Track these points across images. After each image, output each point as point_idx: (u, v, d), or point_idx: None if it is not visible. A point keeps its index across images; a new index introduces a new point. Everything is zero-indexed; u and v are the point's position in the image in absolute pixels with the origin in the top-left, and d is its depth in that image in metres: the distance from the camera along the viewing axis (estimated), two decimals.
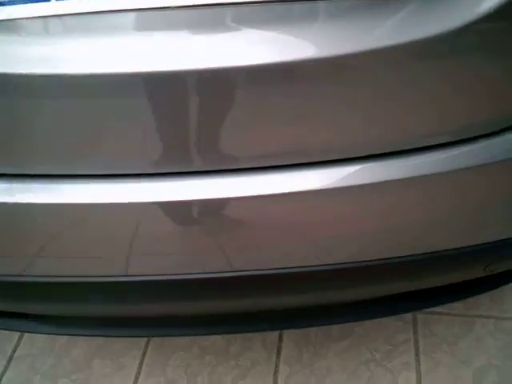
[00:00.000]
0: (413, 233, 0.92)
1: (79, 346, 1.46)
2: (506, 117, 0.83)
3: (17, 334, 1.50)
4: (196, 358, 1.41)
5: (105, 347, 1.45)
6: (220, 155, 0.80)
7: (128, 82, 0.72)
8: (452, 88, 0.76)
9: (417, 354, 1.36)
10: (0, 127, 0.78)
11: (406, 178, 0.82)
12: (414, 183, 0.83)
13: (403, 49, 0.70)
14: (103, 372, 1.41)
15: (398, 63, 0.73)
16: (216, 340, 1.43)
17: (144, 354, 1.43)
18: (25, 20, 0.72)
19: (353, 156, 0.81)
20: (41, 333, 1.29)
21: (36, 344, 1.48)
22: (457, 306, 1.42)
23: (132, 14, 0.71)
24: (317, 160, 0.81)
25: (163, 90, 0.72)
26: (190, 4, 0.69)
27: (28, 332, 1.41)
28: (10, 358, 1.46)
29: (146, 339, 1.46)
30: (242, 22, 0.72)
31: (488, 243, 0.95)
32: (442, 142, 0.82)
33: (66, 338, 1.46)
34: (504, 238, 0.96)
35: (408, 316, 1.44)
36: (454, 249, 0.94)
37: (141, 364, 1.41)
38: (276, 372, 1.37)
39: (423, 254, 0.93)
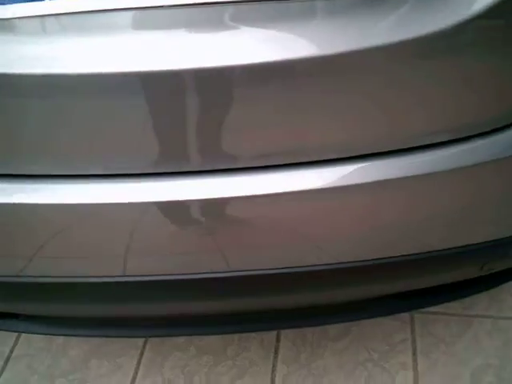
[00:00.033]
0: (410, 232, 0.92)
1: (76, 346, 1.46)
2: (503, 115, 0.83)
3: (14, 335, 1.50)
4: (193, 358, 1.41)
5: (102, 347, 1.45)
6: (219, 154, 0.80)
7: (125, 82, 0.72)
8: (449, 85, 0.76)
9: (414, 354, 1.36)
10: None
11: (403, 178, 0.82)
12: (411, 183, 0.83)
13: (401, 46, 0.70)
14: (100, 372, 1.41)
15: (397, 61, 0.73)
16: (213, 340, 1.43)
17: (141, 354, 1.43)
18: (19, 19, 0.72)
19: (352, 155, 0.81)
20: (37, 333, 1.30)
21: (33, 344, 1.48)
22: (454, 306, 1.42)
23: (126, 13, 0.71)
24: (314, 159, 0.81)
25: (160, 89, 0.72)
26: (184, 3, 0.69)
27: (25, 332, 1.41)
28: (8, 359, 1.46)
29: (143, 339, 1.46)
30: (240, 20, 0.72)
31: (484, 242, 0.95)
32: (437, 141, 0.82)
33: (63, 338, 1.46)
34: (501, 237, 0.96)
35: (405, 316, 1.43)
36: (451, 248, 0.94)
37: (138, 364, 1.41)
38: (273, 372, 1.37)
39: (420, 253, 0.93)
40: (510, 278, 1.16)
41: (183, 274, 0.92)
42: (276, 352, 1.40)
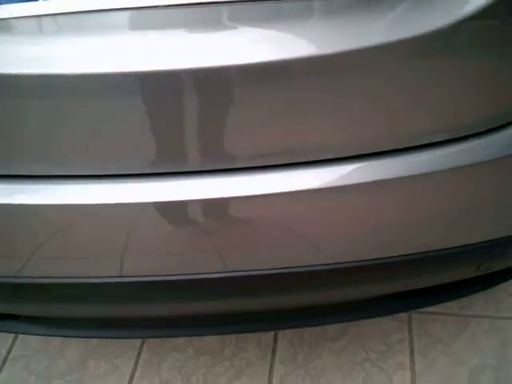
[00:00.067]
0: (408, 232, 0.92)
1: (74, 347, 1.46)
2: (498, 115, 0.83)
3: (11, 336, 1.50)
4: (191, 359, 1.41)
5: (99, 348, 1.45)
6: (218, 154, 0.80)
7: (122, 82, 0.71)
8: (446, 85, 0.76)
9: (412, 354, 1.36)
10: None
11: (399, 178, 0.82)
12: (407, 183, 0.83)
13: (398, 46, 0.70)
14: (98, 373, 1.40)
15: (393, 61, 0.73)
16: (211, 341, 1.43)
17: (139, 354, 1.43)
18: (13, 20, 0.72)
19: (349, 155, 0.81)
20: (37, 334, 1.29)
21: (30, 345, 1.48)
22: (452, 306, 1.41)
23: (122, 13, 0.71)
24: (311, 159, 0.81)
25: (158, 89, 0.72)
26: (180, 3, 0.69)
27: (25, 334, 1.40)
28: (5, 360, 1.45)
29: (140, 340, 1.45)
30: (237, 20, 0.72)
31: (481, 242, 0.95)
32: (432, 141, 0.82)
33: (60, 339, 1.46)
34: (497, 237, 0.96)
35: (403, 316, 1.43)
36: (448, 248, 0.94)
37: (135, 365, 1.41)
38: (271, 372, 1.37)
39: (417, 253, 0.93)
40: (507, 277, 1.16)
41: (182, 275, 0.92)
42: (273, 352, 1.40)
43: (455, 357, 1.35)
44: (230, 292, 0.97)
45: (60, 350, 1.45)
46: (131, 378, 1.39)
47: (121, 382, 1.38)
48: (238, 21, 0.72)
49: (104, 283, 0.93)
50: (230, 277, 0.92)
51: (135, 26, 0.73)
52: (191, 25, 0.72)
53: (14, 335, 1.50)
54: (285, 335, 1.43)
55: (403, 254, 0.93)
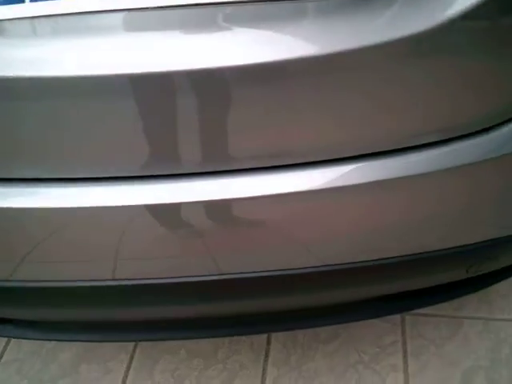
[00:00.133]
0: (402, 234, 0.92)
1: (66, 351, 1.45)
2: (494, 115, 0.83)
3: (3, 339, 1.49)
4: (184, 362, 1.40)
5: (92, 351, 1.44)
6: (216, 156, 0.80)
7: (118, 84, 0.71)
8: (441, 84, 0.76)
9: (405, 356, 1.36)
10: None
11: (395, 178, 0.81)
12: (402, 183, 0.83)
13: (393, 45, 0.70)
14: (90, 376, 1.40)
15: (389, 60, 0.73)
16: (204, 343, 1.43)
17: (131, 357, 1.43)
18: (6, 22, 0.71)
19: (346, 156, 0.81)
20: (32, 339, 1.28)
21: (23, 349, 1.47)
22: (444, 307, 1.41)
23: (117, 15, 0.71)
24: (308, 160, 0.81)
25: (154, 91, 0.71)
26: (176, 4, 0.69)
27: (20, 338, 1.40)
28: None
29: (133, 343, 1.45)
30: (233, 21, 0.72)
31: (470, 244, 0.95)
32: (429, 141, 0.82)
33: (53, 342, 1.45)
34: (486, 239, 0.96)
35: (396, 318, 1.43)
36: (437, 250, 0.94)
37: (128, 368, 1.41)
38: (264, 374, 1.36)
39: (410, 255, 0.93)
40: (498, 279, 1.16)
41: (175, 278, 0.91)
42: (266, 355, 1.40)
43: (448, 358, 1.35)
44: (223, 295, 0.97)
45: (53, 354, 1.45)
46: (124, 381, 1.38)
47: None
48: (234, 22, 0.72)
49: (98, 286, 0.92)
50: (223, 279, 0.91)
51: (131, 27, 0.73)
52: (187, 26, 0.72)
53: (6, 339, 1.49)
54: (278, 337, 1.43)
55: (397, 255, 0.93)
